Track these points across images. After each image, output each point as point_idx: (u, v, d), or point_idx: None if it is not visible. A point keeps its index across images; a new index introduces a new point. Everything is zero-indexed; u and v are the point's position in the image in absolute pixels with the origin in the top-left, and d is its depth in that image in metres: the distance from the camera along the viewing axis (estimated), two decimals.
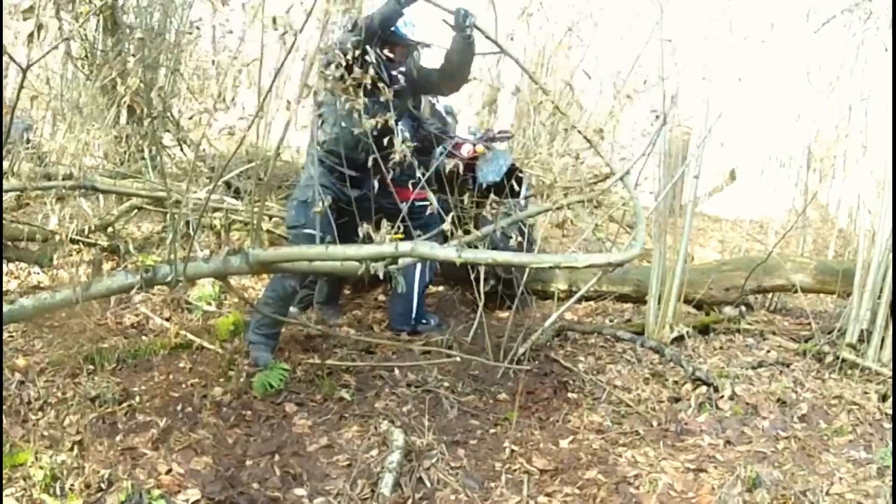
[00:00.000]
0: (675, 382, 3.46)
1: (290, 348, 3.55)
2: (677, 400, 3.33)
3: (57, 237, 3.83)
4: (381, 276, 2.60)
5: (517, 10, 3.90)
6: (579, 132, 3.20)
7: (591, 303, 4.58)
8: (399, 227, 2.62)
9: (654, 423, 3.13)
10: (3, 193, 3.76)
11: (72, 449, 2.53)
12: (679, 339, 3.89)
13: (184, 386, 3.12)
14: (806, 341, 3.95)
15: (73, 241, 4.04)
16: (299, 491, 2.55)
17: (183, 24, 5.87)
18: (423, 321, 3.96)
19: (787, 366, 3.68)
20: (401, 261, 2.62)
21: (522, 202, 4.37)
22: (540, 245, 4.41)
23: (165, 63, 5.70)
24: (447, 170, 3.17)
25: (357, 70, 2.69)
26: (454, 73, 3.51)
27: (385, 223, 2.61)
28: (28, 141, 5.00)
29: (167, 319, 3.76)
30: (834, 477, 2.73)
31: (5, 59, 2.32)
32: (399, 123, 3.64)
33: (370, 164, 2.83)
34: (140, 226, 4.92)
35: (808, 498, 2.57)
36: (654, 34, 3.82)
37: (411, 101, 3.77)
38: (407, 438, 2.80)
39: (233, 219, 4.48)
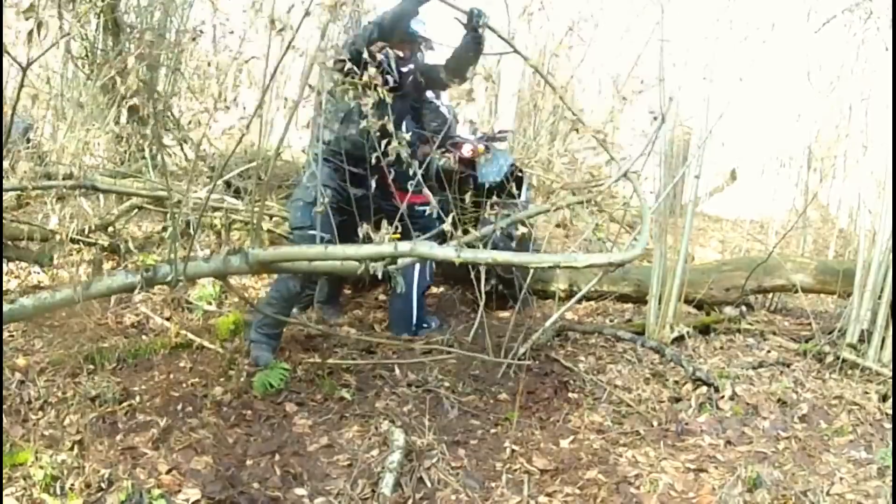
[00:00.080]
0: (676, 382, 3.46)
1: (291, 348, 3.55)
2: (678, 400, 3.33)
3: (57, 237, 3.84)
4: (380, 277, 2.59)
5: (518, 10, 3.90)
6: (587, 129, 3.19)
7: (592, 303, 4.58)
8: (398, 228, 2.62)
9: (655, 423, 3.13)
10: (3, 193, 3.76)
11: (72, 448, 2.53)
12: (679, 339, 3.89)
13: (184, 385, 3.12)
14: (806, 341, 3.95)
15: (73, 241, 4.04)
16: (300, 491, 2.55)
17: (183, 24, 5.87)
18: (424, 325, 3.94)
19: (788, 366, 3.68)
20: (400, 261, 2.62)
21: (523, 202, 4.36)
22: (540, 245, 4.41)
23: (166, 63, 5.70)
24: (443, 166, 3.17)
25: (372, 70, 2.68)
26: (459, 71, 3.52)
27: (384, 224, 2.60)
28: (28, 141, 5.00)
29: (167, 319, 3.76)
30: (834, 477, 2.73)
31: (6, 58, 2.32)
32: (403, 122, 3.65)
33: (374, 162, 2.82)
34: (140, 225, 4.92)
35: (808, 498, 2.57)
36: (655, 34, 3.82)
37: (414, 99, 3.77)
38: (407, 438, 2.80)
39: (233, 218, 4.48)
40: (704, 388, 3.35)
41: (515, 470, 2.77)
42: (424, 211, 2.79)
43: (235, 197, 4.61)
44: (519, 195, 4.26)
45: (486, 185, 4.11)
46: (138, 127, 5.14)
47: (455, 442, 2.92)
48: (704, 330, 4.09)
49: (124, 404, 2.89)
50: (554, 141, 6.96)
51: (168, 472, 2.50)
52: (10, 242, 4.07)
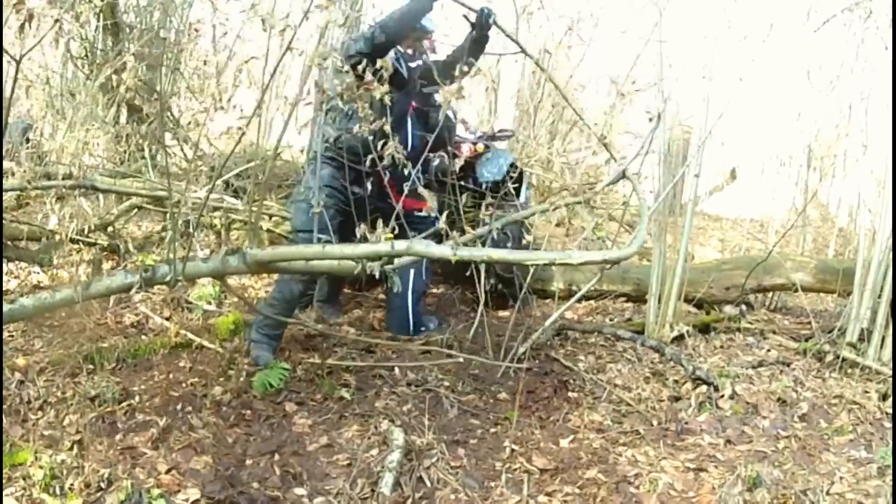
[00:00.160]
0: (676, 381, 3.46)
1: (290, 347, 3.55)
2: (677, 399, 3.33)
3: (57, 237, 3.84)
4: (376, 276, 2.59)
5: (518, 9, 3.90)
6: (589, 127, 3.20)
7: (592, 302, 4.58)
8: (394, 228, 2.62)
9: (655, 423, 3.13)
10: (3, 193, 3.76)
11: (71, 448, 2.53)
12: (679, 338, 3.89)
13: (184, 385, 3.12)
14: (806, 340, 3.95)
15: (73, 241, 4.05)
16: (299, 490, 2.55)
17: (183, 24, 5.87)
18: (422, 328, 3.93)
19: (788, 365, 3.67)
20: (396, 261, 2.62)
21: (522, 202, 4.37)
22: (540, 244, 4.41)
23: (165, 62, 5.70)
24: (439, 166, 3.17)
25: (368, 75, 2.68)
26: (460, 67, 3.52)
27: (380, 223, 2.60)
28: (28, 140, 5.00)
29: (167, 319, 3.76)
30: (834, 476, 2.73)
31: (5, 57, 2.31)
32: (409, 122, 3.65)
33: (370, 164, 2.81)
34: (140, 225, 4.93)
35: (808, 497, 2.57)
36: (654, 35, 3.82)
37: (420, 101, 3.77)
38: (407, 438, 2.80)
39: (233, 218, 4.48)
40: (704, 388, 3.35)
41: (515, 469, 2.77)
42: (424, 218, 2.79)
43: (235, 197, 4.61)
44: (519, 195, 4.27)
45: (486, 185, 4.11)
46: (138, 127, 5.14)
47: (455, 441, 2.92)
48: (704, 329, 4.09)
49: (124, 404, 2.89)
50: (554, 141, 6.95)
51: (167, 471, 2.50)
52: (9, 242, 4.08)
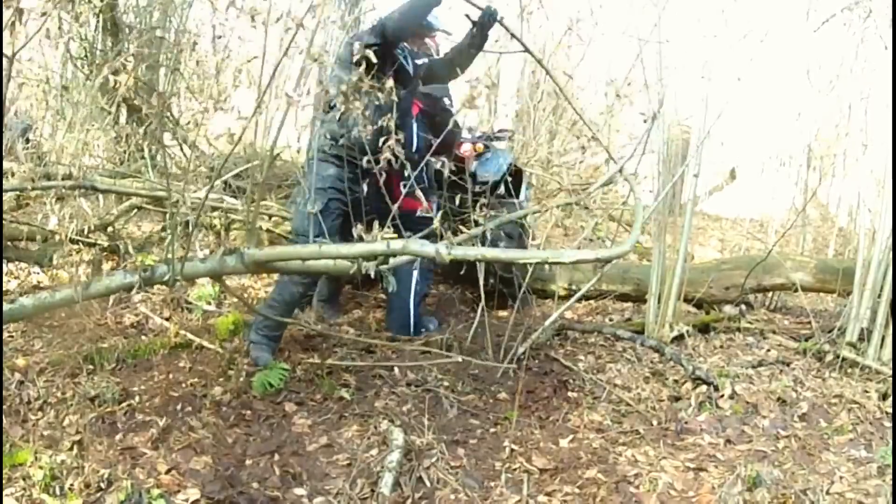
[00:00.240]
0: (676, 381, 3.46)
1: (290, 348, 3.55)
2: (677, 399, 3.33)
3: (57, 237, 3.83)
4: (372, 276, 2.60)
5: (517, 9, 3.90)
6: (589, 128, 3.20)
7: (592, 302, 4.58)
8: (390, 229, 2.62)
9: (655, 422, 3.13)
10: (3, 193, 3.76)
11: (71, 449, 2.53)
12: (679, 338, 3.89)
13: (184, 385, 3.12)
14: (806, 340, 3.95)
15: (72, 241, 4.04)
16: (299, 490, 2.55)
17: (182, 24, 5.88)
18: (423, 329, 3.93)
19: (788, 364, 3.68)
20: (392, 260, 2.62)
21: (522, 201, 4.37)
22: (538, 244, 4.41)
23: (165, 63, 5.71)
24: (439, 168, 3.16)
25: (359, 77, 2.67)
26: (461, 66, 3.53)
27: (376, 223, 2.60)
28: (27, 141, 5.00)
29: (167, 319, 3.76)
30: (834, 476, 2.73)
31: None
32: (414, 123, 3.64)
33: (393, 156, 2.79)
34: (140, 225, 4.93)
35: (808, 497, 2.57)
36: (653, 35, 3.82)
37: (426, 103, 3.77)
38: (407, 438, 2.80)
39: (232, 219, 4.48)
40: (704, 387, 3.35)
41: (515, 469, 2.77)
42: (426, 219, 2.78)
43: (234, 197, 4.61)
44: (518, 194, 4.27)
45: (486, 184, 4.11)
46: (137, 127, 5.14)
47: (454, 441, 2.92)
48: (704, 329, 4.09)
49: (123, 404, 2.89)
50: (553, 140, 6.96)
51: (167, 471, 2.50)
52: (9, 243, 4.07)
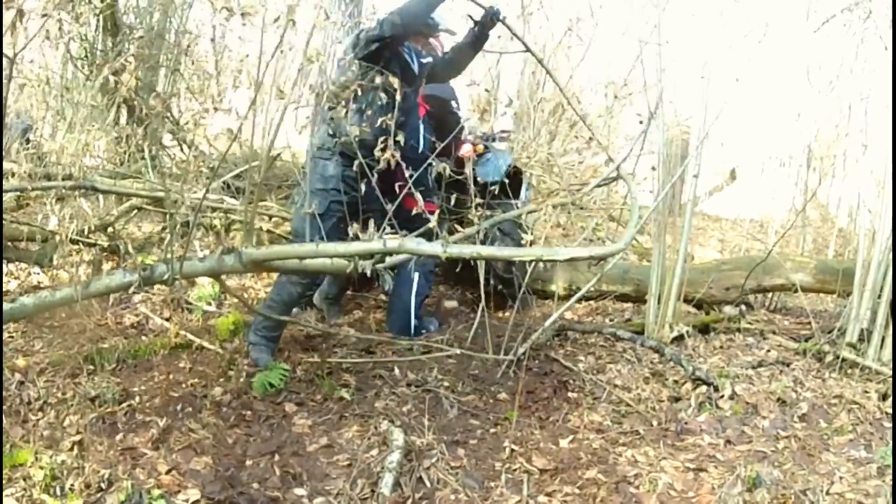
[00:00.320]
0: (675, 382, 3.46)
1: (290, 348, 3.55)
2: (677, 399, 3.33)
3: (57, 237, 3.83)
4: (368, 274, 2.60)
5: (518, 9, 3.91)
6: (589, 129, 3.21)
7: (592, 302, 4.57)
8: (384, 229, 2.62)
9: (654, 423, 3.13)
10: (3, 193, 3.76)
11: (72, 449, 2.53)
12: (679, 339, 3.89)
13: (184, 386, 3.12)
14: (806, 340, 3.95)
15: (73, 241, 4.04)
16: (299, 491, 2.55)
17: (182, 25, 5.88)
18: (423, 330, 3.93)
19: (788, 365, 3.68)
20: (389, 261, 2.63)
21: (522, 202, 4.37)
22: (537, 243, 4.41)
23: (165, 63, 5.70)
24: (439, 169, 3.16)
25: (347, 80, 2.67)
26: (460, 65, 3.52)
27: (371, 222, 2.61)
28: (28, 141, 5.00)
29: (167, 319, 3.77)
30: (834, 476, 2.73)
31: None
32: (420, 124, 3.64)
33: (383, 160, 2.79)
34: (140, 226, 4.92)
35: (808, 497, 2.57)
36: (653, 36, 3.82)
37: (433, 105, 3.77)
38: (407, 438, 2.80)
39: (232, 219, 4.48)
40: (704, 388, 3.35)
41: (515, 469, 2.78)
42: (421, 215, 2.78)
43: (234, 198, 4.62)
44: (518, 195, 4.27)
45: (485, 184, 4.11)
46: (138, 127, 5.15)
47: (454, 441, 2.92)
48: (704, 329, 4.09)
49: (124, 405, 2.89)
50: (553, 141, 6.96)
51: (168, 472, 2.50)
52: (10, 243, 4.07)
